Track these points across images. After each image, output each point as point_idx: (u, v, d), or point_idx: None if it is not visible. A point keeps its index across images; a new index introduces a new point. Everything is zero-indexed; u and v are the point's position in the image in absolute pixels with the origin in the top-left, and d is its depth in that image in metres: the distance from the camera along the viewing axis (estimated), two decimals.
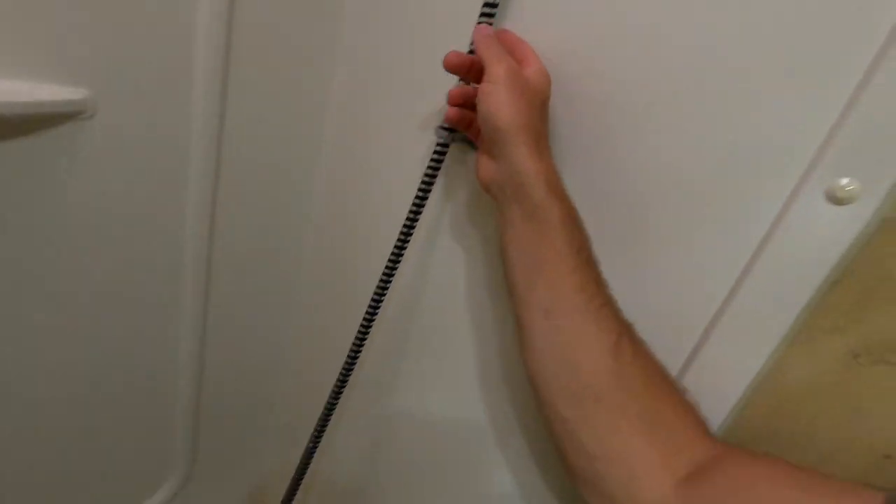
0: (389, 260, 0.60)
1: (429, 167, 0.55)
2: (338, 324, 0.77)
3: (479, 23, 0.46)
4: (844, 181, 0.36)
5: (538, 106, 0.43)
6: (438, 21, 0.58)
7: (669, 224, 0.48)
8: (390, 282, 0.62)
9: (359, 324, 0.65)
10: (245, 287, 0.77)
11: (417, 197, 0.57)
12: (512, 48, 0.46)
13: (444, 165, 0.55)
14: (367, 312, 0.64)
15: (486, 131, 0.42)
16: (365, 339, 0.66)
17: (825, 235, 0.37)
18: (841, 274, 0.37)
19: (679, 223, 0.47)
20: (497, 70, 0.41)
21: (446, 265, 0.66)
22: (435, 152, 0.54)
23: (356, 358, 0.67)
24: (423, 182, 0.56)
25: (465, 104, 0.49)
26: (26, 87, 0.45)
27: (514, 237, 0.42)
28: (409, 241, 0.58)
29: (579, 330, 0.38)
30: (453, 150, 0.57)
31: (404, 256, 0.60)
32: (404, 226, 0.58)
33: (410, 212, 0.57)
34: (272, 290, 0.83)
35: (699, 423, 0.38)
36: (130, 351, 0.67)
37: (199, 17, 0.52)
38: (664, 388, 0.38)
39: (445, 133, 0.53)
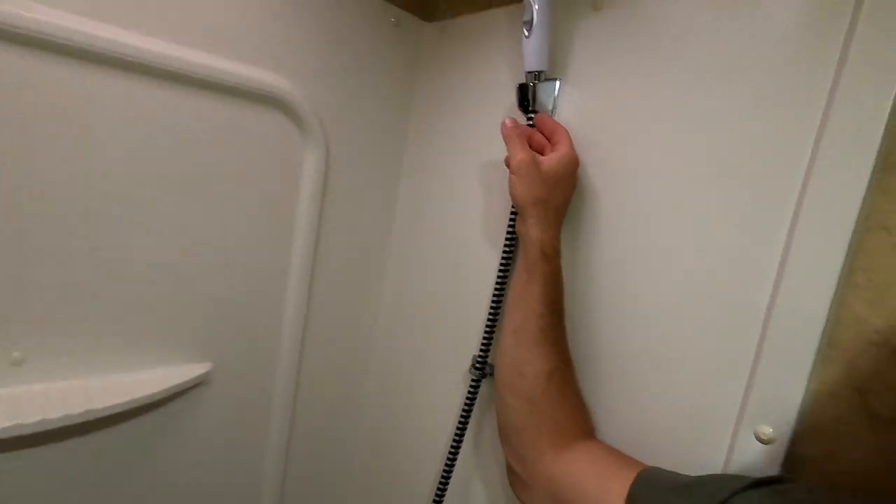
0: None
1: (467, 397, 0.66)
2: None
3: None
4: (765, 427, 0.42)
5: (554, 184, 0.53)
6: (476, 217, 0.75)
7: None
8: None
9: None
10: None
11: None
12: (551, 132, 0.58)
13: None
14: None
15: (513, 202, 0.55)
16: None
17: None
18: None
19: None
20: (514, 162, 0.53)
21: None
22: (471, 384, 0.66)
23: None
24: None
25: None
26: (164, 373, 0.64)
27: (516, 275, 0.56)
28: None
29: (531, 352, 0.52)
30: None
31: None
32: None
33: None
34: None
35: (585, 430, 0.54)
36: None
37: (287, 302, 0.73)
38: (573, 407, 0.54)
39: (478, 371, 0.65)
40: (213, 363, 0.69)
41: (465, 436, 0.67)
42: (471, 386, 0.66)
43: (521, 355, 0.53)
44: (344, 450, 0.89)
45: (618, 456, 0.49)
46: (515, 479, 0.55)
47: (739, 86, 0.45)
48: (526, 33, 0.57)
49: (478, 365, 0.66)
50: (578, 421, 0.53)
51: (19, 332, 0.54)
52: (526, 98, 0.59)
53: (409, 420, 0.82)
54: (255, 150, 0.67)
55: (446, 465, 0.67)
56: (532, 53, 0.57)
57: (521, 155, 0.53)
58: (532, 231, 0.53)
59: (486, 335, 0.65)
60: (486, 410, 0.69)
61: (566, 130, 0.57)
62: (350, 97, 0.75)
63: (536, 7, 0.55)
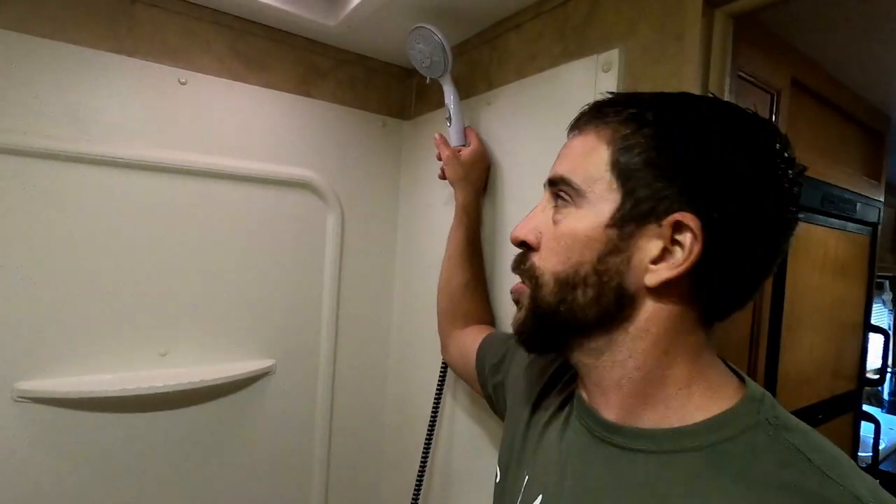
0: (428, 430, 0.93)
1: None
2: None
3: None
4: None
5: (470, 167, 0.86)
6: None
7: None
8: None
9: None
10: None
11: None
12: (468, 134, 0.90)
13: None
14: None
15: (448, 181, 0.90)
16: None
17: None
18: None
19: None
20: (444, 157, 0.88)
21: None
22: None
23: None
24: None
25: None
26: (247, 364, 0.98)
27: (452, 223, 0.88)
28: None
29: (455, 269, 0.85)
30: None
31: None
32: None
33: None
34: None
35: (486, 319, 0.86)
36: None
37: (322, 319, 1.07)
38: (478, 304, 0.86)
39: None
40: (275, 360, 1.03)
41: (443, 396, 0.95)
42: (441, 367, 0.94)
43: (450, 271, 0.86)
44: (374, 422, 1.19)
45: (490, 329, 0.82)
46: (442, 345, 0.89)
47: (541, 140, 0.76)
48: (448, 124, 0.91)
49: None
50: (480, 312, 0.86)
51: (165, 336, 0.92)
52: None
53: (415, 394, 1.10)
54: (294, 219, 1.04)
55: (428, 431, 0.95)
56: (453, 135, 0.91)
57: (447, 152, 0.88)
58: (458, 196, 0.87)
59: None
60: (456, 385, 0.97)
61: (476, 134, 0.89)
62: (358, 177, 1.12)
63: (452, 108, 0.90)
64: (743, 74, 0.76)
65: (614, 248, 0.41)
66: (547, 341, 0.48)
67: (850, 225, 1.19)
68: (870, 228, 1.28)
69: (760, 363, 0.93)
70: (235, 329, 0.99)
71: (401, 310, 1.18)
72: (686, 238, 0.38)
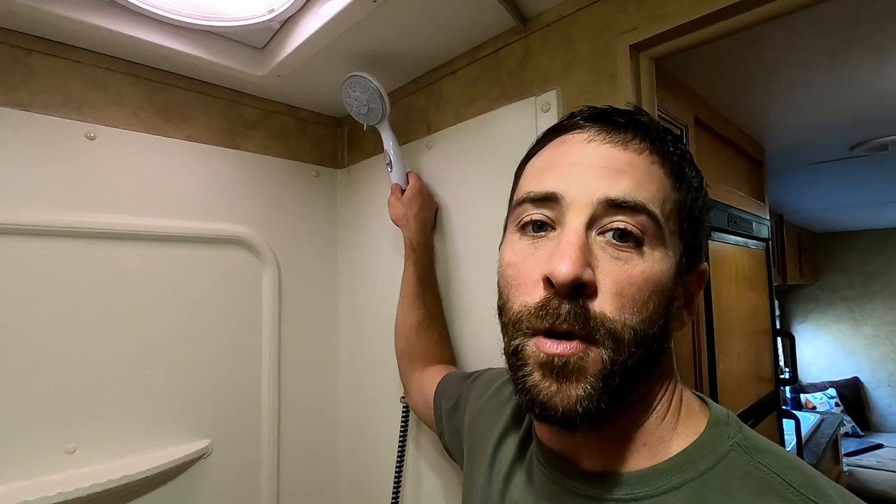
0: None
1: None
2: None
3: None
4: None
5: (408, 205, 0.84)
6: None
7: None
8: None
9: None
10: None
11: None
12: (410, 177, 0.87)
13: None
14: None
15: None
16: None
17: None
18: None
19: None
20: (389, 201, 0.88)
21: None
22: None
23: None
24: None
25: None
26: (177, 448, 0.86)
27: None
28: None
29: (409, 309, 0.82)
30: None
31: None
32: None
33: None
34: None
35: (444, 358, 0.82)
36: None
37: (263, 385, 0.97)
38: (436, 344, 0.81)
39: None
40: (211, 439, 0.91)
41: (406, 446, 0.89)
42: (402, 411, 0.89)
43: (404, 311, 0.82)
44: (328, 494, 1.07)
45: (450, 368, 0.78)
46: (405, 389, 0.85)
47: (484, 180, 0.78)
48: (389, 169, 0.91)
49: (404, 397, 0.90)
50: (438, 351, 0.82)
51: (71, 429, 0.77)
52: None
53: (373, 445, 1.02)
54: (226, 279, 0.96)
55: (396, 472, 0.88)
56: (395, 180, 0.90)
57: (391, 196, 0.88)
58: (403, 233, 0.85)
59: None
60: (421, 426, 0.92)
61: (417, 176, 0.88)
62: (293, 229, 1.07)
63: (392, 153, 0.90)
64: (660, 111, 0.84)
65: (672, 297, 0.38)
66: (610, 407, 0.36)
67: (751, 241, 1.34)
68: (764, 244, 1.45)
69: (704, 375, 0.99)
70: (161, 409, 0.86)
71: (348, 366, 1.11)
72: (695, 285, 0.41)
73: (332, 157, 1.17)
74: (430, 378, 0.75)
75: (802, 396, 3.62)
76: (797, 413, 2.12)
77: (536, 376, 0.36)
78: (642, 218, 0.36)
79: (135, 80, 0.87)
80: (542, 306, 0.35)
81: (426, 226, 0.87)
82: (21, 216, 0.74)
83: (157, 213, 0.88)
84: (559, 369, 0.35)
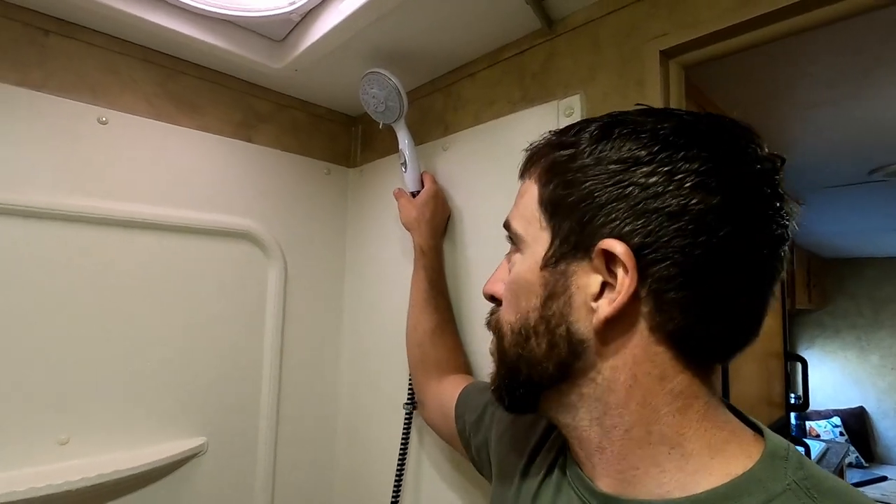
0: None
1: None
2: None
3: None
4: None
5: (422, 209, 0.82)
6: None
7: None
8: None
9: None
10: None
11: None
12: (424, 178, 0.86)
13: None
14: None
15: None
16: None
17: None
18: None
19: None
20: (399, 202, 0.86)
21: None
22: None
23: None
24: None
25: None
26: (172, 445, 0.83)
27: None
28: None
29: (421, 315, 0.79)
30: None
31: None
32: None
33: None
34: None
35: (458, 365, 0.78)
36: None
37: (263, 384, 0.94)
38: (450, 351, 0.78)
39: (409, 406, 0.86)
40: (206, 437, 0.88)
41: (407, 453, 0.86)
42: (405, 417, 0.86)
43: (416, 317, 0.80)
44: (325, 500, 1.04)
45: (469, 378, 0.75)
46: (419, 402, 0.81)
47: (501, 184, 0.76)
48: (403, 169, 0.89)
49: (408, 402, 0.87)
50: (453, 359, 0.79)
51: (65, 419, 0.75)
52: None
53: (372, 451, 0.99)
54: (231, 273, 0.94)
55: (395, 480, 0.85)
56: (409, 181, 0.88)
57: (403, 199, 0.86)
58: (414, 237, 0.83)
59: (410, 379, 0.87)
60: (423, 434, 0.89)
61: (431, 177, 0.86)
62: (301, 227, 1.05)
63: (407, 153, 0.88)
64: None
65: (553, 292, 0.38)
66: (519, 399, 0.43)
67: None
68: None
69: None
70: (158, 403, 0.84)
71: (350, 369, 1.09)
72: (618, 268, 0.35)
73: (344, 155, 1.16)
74: (450, 389, 0.72)
75: (807, 423, 3.56)
76: (806, 441, 2.07)
77: None
78: (510, 232, 0.43)
79: (149, 65, 0.86)
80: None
81: (436, 229, 0.85)
82: (26, 198, 0.72)
83: (164, 202, 0.86)
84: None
